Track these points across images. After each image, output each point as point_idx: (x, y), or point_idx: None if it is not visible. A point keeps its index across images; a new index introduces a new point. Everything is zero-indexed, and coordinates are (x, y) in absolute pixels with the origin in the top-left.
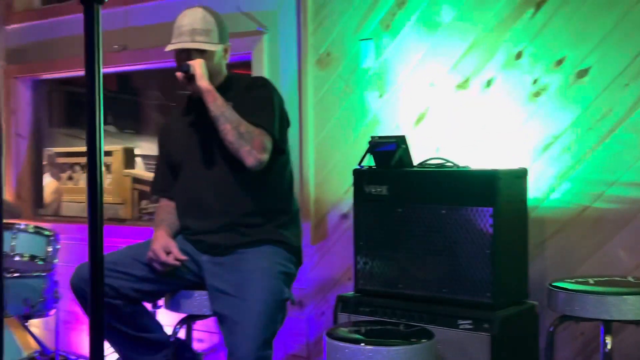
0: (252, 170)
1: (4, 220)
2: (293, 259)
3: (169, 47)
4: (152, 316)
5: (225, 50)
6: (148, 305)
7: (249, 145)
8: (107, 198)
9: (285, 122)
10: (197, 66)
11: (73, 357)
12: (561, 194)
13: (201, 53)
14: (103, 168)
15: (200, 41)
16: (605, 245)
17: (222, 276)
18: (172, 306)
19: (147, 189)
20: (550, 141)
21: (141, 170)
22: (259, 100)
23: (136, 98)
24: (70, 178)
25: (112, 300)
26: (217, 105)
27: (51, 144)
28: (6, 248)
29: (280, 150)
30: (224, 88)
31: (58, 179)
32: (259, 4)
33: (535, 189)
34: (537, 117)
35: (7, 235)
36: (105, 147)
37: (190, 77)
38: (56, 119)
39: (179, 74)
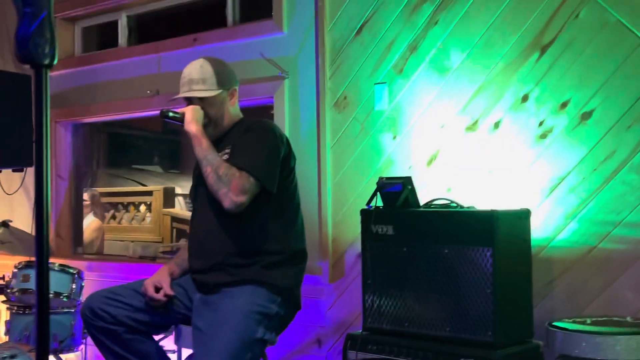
0: (230, 212)
1: (32, 259)
2: (277, 300)
3: (172, 98)
4: (154, 344)
5: (231, 95)
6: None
7: (226, 188)
8: (147, 236)
9: (275, 164)
10: (188, 111)
11: None
12: (568, 234)
13: (201, 100)
14: (50, 205)
15: (196, 89)
16: (612, 285)
17: (203, 314)
18: (177, 340)
19: (185, 227)
20: (556, 182)
21: (180, 209)
22: (248, 143)
23: (179, 138)
24: (113, 217)
25: (111, 326)
26: (202, 148)
27: (95, 184)
28: (32, 285)
29: (268, 192)
30: (229, 132)
31: (102, 218)
32: (280, 50)
33: (542, 230)
34: (544, 159)
35: (34, 272)
36: (148, 186)
37: (182, 122)
38: (99, 159)
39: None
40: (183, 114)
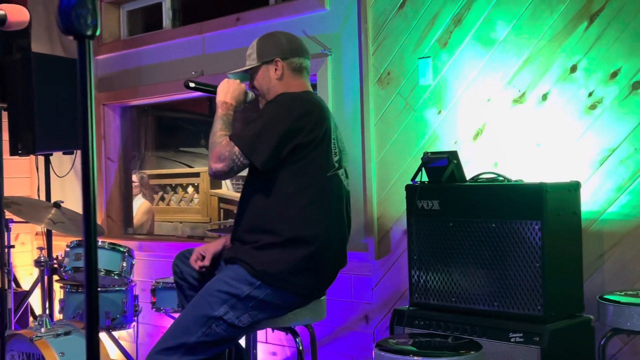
0: (212, 178)
1: (81, 238)
2: (256, 283)
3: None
4: None
5: (275, 65)
6: None
7: (210, 155)
8: (195, 217)
9: (270, 138)
10: (221, 84)
11: None
12: (619, 207)
13: (250, 75)
14: (96, 182)
15: (244, 65)
16: None
17: None
18: None
19: (232, 208)
20: (606, 154)
21: (227, 190)
22: (255, 116)
23: None
24: (162, 199)
25: (179, 280)
26: (215, 118)
27: (143, 166)
28: (83, 264)
29: (255, 168)
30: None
31: (151, 200)
32: (323, 28)
33: (592, 203)
34: (593, 130)
35: None
36: (195, 168)
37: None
38: (147, 142)
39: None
40: (214, 86)
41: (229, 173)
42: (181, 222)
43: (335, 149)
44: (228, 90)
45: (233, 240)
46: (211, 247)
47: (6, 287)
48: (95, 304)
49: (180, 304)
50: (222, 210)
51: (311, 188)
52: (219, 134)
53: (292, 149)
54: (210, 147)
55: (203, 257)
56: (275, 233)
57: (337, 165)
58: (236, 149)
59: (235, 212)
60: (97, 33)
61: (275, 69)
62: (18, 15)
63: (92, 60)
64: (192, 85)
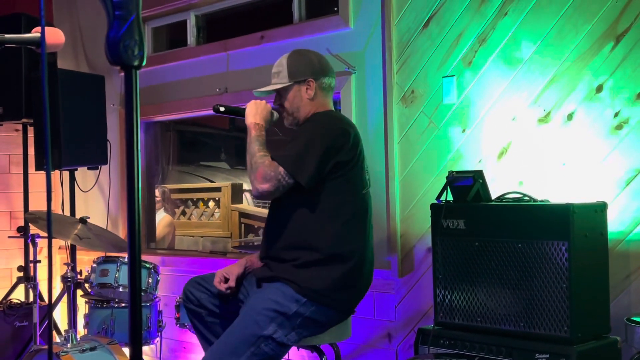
0: (256, 199)
1: (110, 254)
2: (302, 300)
3: (255, 91)
4: None
5: (309, 85)
6: None
7: (253, 175)
8: (216, 231)
9: (313, 158)
10: (248, 106)
11: None
12: None
13: (278, 93)
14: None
15: (272, 83)
16: None
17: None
18: None
19: (253, 223)
20: (633, 174)
21: (248, 205)
22: (295, 135)
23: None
24: (183, 213)
25: (197, 308)
26: (249, 140)
27: (165, 181)
28: (111, 280)
29: (302, 185)
30: (304, 123)
31: (172, 214)
32: (347, 46)
33: (619, 223)
34: (619, 151)
35: (112, 267)
36: (216, 183)
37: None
38: (169, 157)
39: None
40: (242, 109)
41: (274, 193)
42: (202, 237)
43: (366, 167)
44: (257, 112)
45: (265, 259)
46: (234, 269)
47: (31, 300)
48: (138, 324)
49: (197, 331)
50: (242, 225)
51: (349, 205)
52: (259, 155)
53: (332, 166)
54: (252, 168)
55: (226, 279)
56: (315, 250)
57: (369, 183)
58: (281, 168)
59: (263, 229)
60: (144, 64)
61: (307, 89)
62: (54, 37)
63: (138, 90)
64: (222, 109)
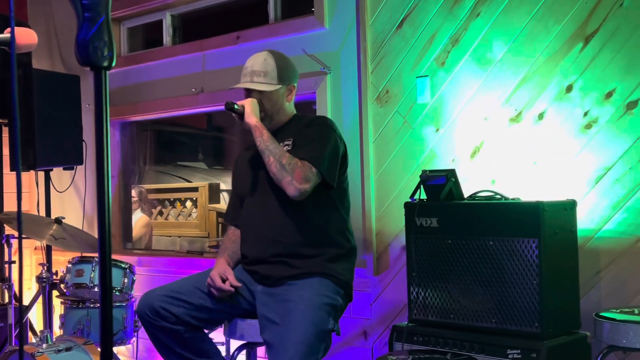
0: (294, 200)
1: (85, 254)
2: (341, 292)
3: (231, 87)
4: (210, 342)
5: (290, 91)
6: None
7: (290, 176)
8: (193, 231)
9: (336, 159)
10: (247, 104)
11: None
12: (614, 225)
13: (259, 92)
14: (111, 196)
15: (257, 82)
16: None
17: (270, 306)
18: (230, 333)
19: None
20: (602, 173)
21: (226, 205)
22: (312, 137)
23: (224, 135)
24: (160, 213)
25: (173, 326)
26: (263, 139)
27: (142, 181)
28: (86, 280)
29: (327, 185)
30: (287, 125)
31: (149, 214)
32: (323, 46)
33: (589, 220)
34: (589, 149)
35: (87, 267)
36: (194, 183)
37: (242, 114)
38: (146, 157)
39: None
40: (243, 107)
41: (310, 192)
42: (179, 237)
43: None
44: (254, 111)
45: (275, 256)
46: (228, 268)
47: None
48: (109, 323)
49: (170, 351)
50: (220, 225)
51: (348, 201)
52: (288, 156)
53: (341, 165)
54: (285, 168)
55: (223, 280)
56: (337, 245)
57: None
58: (314, 169)
59: (248, 231)
60: (114, 64)
61: (288, 94)
62: (26, 38)
63: (107, 90)
64: (236, 107)
